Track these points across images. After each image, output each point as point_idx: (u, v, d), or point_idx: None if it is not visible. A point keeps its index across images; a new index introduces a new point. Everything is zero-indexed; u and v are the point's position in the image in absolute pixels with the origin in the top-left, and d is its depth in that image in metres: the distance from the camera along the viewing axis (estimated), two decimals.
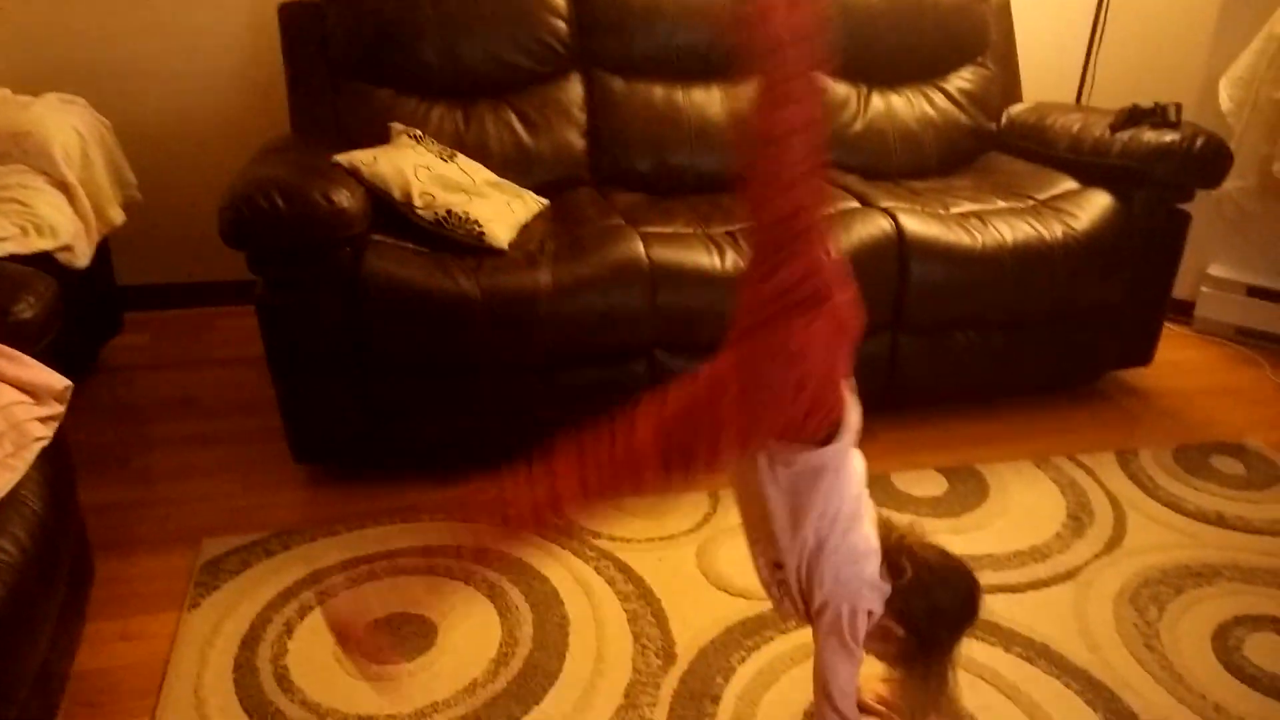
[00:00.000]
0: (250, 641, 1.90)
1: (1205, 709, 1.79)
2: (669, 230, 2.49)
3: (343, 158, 2.34)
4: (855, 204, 2.65)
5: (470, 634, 1.94)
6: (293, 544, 2.19)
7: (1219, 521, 2.34)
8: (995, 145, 3.16)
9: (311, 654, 1.88)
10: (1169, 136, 2.65)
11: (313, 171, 2.25)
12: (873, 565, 1.50)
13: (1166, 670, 1.87)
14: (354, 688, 1.79)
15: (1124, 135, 2.73)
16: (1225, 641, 1.96)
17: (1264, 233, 3.26)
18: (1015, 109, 3.19)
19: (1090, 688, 1.83)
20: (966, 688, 1.81)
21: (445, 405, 2.34)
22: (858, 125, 3.05)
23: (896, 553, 1.52)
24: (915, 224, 2.54)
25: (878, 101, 3.10)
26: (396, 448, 2.39)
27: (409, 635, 1.92)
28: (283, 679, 1.82)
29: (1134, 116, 2.77)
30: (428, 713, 1.75)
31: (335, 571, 2.09)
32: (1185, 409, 2.86)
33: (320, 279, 2.19)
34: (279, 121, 2.87)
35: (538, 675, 1.84)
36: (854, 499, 1.51)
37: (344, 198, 2.17)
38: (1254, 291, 3.23)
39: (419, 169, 2.39)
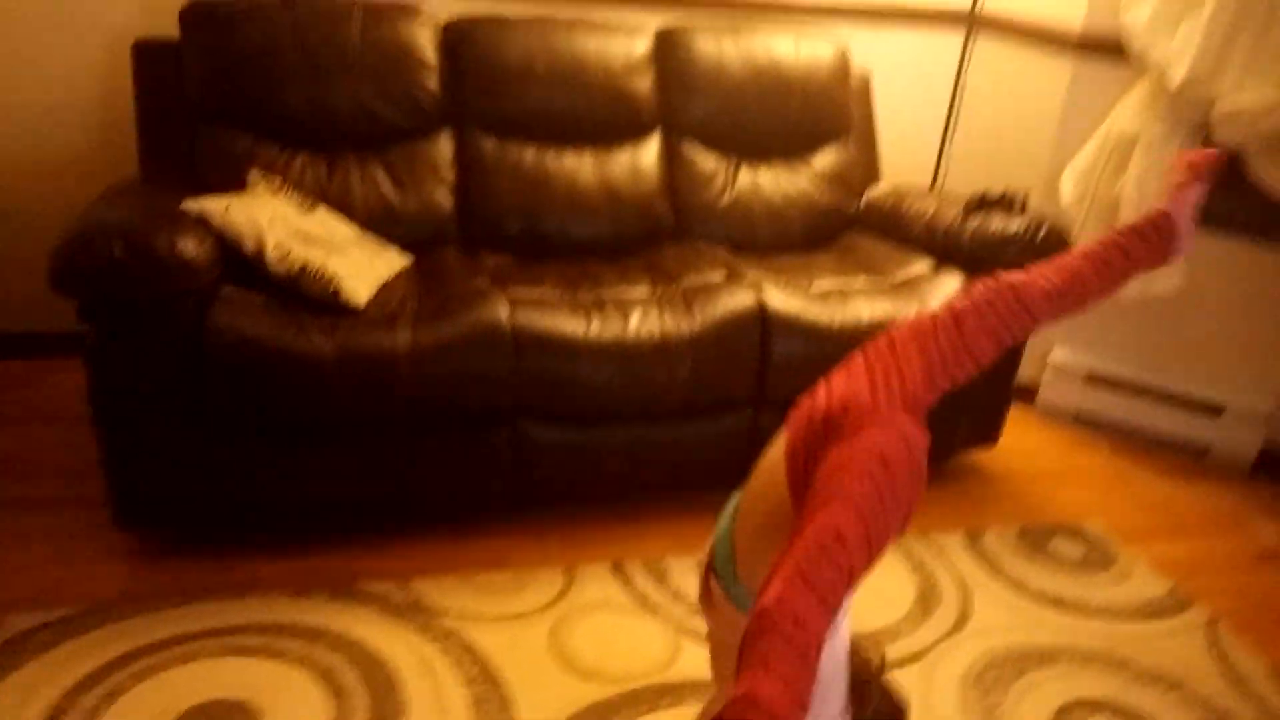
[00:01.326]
0: None
1: None
2: (536, 295, 2.45)
3: (192, 204, 2.22)
4: (722, 276, 2.66)
5: None
6: (109, 620, 2.02)
7: (1058, 604, 2.42)
8: (856, 225, 3.25)
9: None
10: (1014, 225, 2.77)
11: (158, 217, 2.12)
12: (840, 695, 1.42)
13: None
14: None
15: (974, 221, 2.84)
16: None
17: (1103, 321, 3.44)
18: (874, 191, 3.29)
19: None
20: None
21: (292, 469, 2.22)
22: (725, 198, 3.08)
23: (865, 684, 1.45)
24: (779, 299, 2.56)
25: (745, 176, 3.15)
26: (236, 514, 2.25)
27: None
28: None
29: (983, 203, 2.89)
30: None
31: (155, 650, 1.94)
32: (1029, 490, 2.97)
33: (159, 332, 2.05)
34: (128, 164, 2.72)
35: None
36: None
37: (190, 246, 2.05)
38: (1092, 378, 3.40)
39: (275, 220, 2.28)
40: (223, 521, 2.25)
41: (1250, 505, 3.02)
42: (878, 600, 2.34)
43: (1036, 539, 2.69)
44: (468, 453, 2.34)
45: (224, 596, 2.12)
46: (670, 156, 3.08)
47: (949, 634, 2.26)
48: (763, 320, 2.53)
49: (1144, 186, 3.06)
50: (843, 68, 3.26)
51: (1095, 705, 2.08)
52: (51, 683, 1.84)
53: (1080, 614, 2.38)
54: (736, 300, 2.53)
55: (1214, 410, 3.25)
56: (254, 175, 2.51)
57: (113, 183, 2.42)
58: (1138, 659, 2.23)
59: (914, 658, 2.16)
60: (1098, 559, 2.63)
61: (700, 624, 2.19)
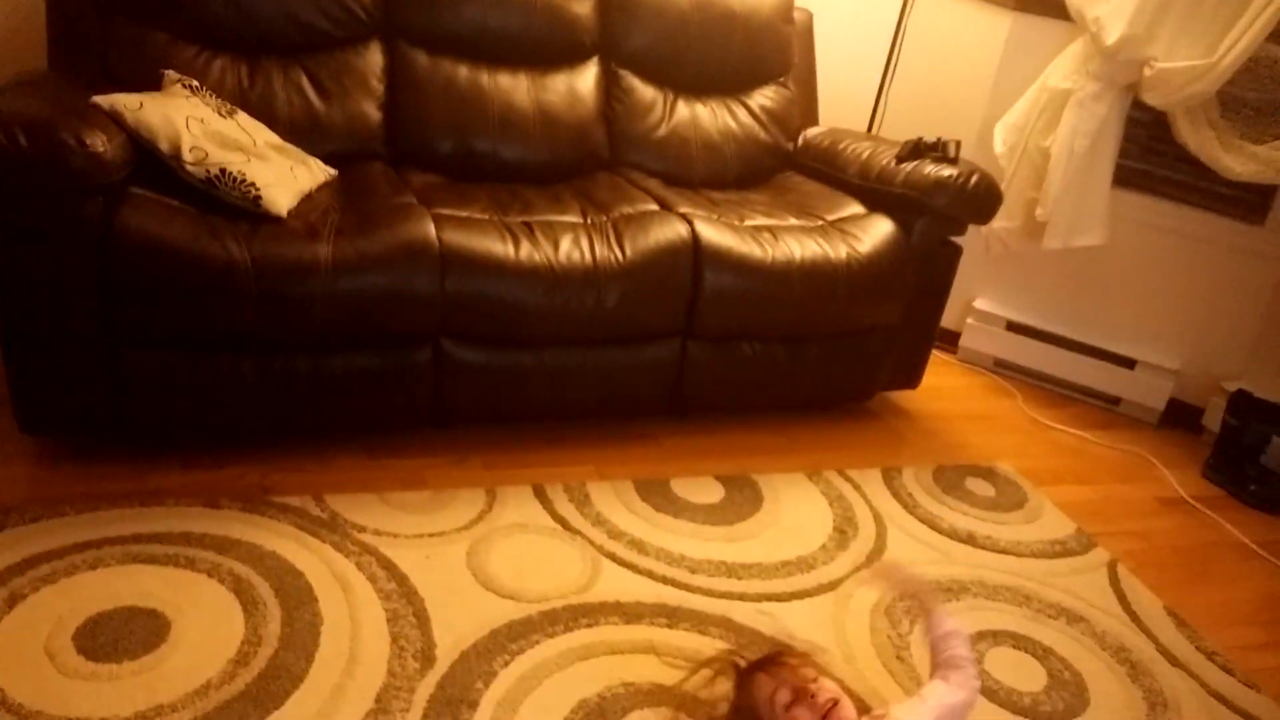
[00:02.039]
0: None
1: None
2: (464, 214, 2.40)
3: (103, 100, 2.11)
4: (654, 206, 2.64)
5: (209, 631, 1.77)
6: (10, 524, 1.95)
7: (969, 540, 2.48)
8: (791, 165, 3.24)
9: (19, 649, 1.66)
10: (947, 171, 2.79)
11: (67, 111, 2.01)
12: None
13: (915, 682, 1.95)
14: (66, 687, 1.60)
15: (907, 166, 2.85)
16: None
17: (1025, 272, 3.51)
18: (811, 132, 3.29)
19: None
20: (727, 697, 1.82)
21: (202, 381, 2.14)
22: (662, 130, 3.05)
23: None
24: (711, 233, 2.55)
25: (683, 109, 3.11)
26: (143, 425, 2.17)
27: (137, 630, 1.74)
28: None
29: (917, 149, 2.90)
30: (149, 716, 1.58)
31: (60, 555, 1.88)
32: (946, 432, 3.03)
33: (64, 232, 1.96)
34: (35, 56, 2.57)
35: (281, 677, 1.70)
36: None
37: (100, 142, 1.95)
38: (1012, 327, 3.47)
39: (192, 121, 2.18)
40: (131, 431, 2.17)
41: (1156, 455, 3.12)
42: (796, 532, 2.37)
43: (951, 478, 2.75)
44: (388, 371, 2.29)
45: (133, 505, 2.05)
46: (608, 84, 3.03)
47: (863, 565, 2.30)
48: (694, 252, 2.52)
49: (1073, 142, 3.11)
50: (786, 7, 3.24)
51: (1000, 636, 2.14)
52: None
53: (989, 551, 2.45)
54: (669, 231, 2.51)
55: (1127, 363, 3.35)
56: (170, 76, 2.39)
57: (17, 73, 2.30)
58: (1042, 594, 2.30)
59: (829, 587, 2.19)
60: (1008, 500, 2.69)
61: (620, 545, 2.19)
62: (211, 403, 2.17)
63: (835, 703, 1.60)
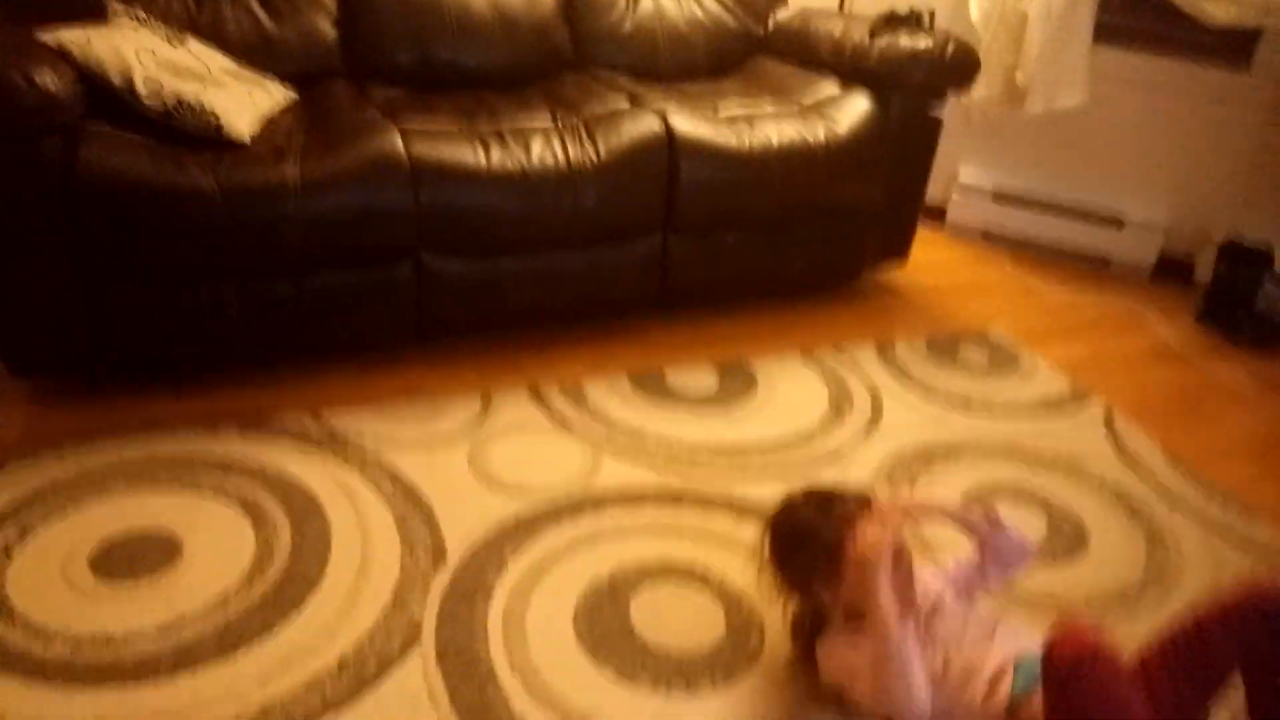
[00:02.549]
0: None
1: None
2: (431, 127, 2.37)
3: (49, 37, 2.08)
4: (625, 104, 2.61)
5: (221, 547, 1.81)
6: (11, 460, 1.97)
7: (965, 404, 2.50)
8: (763, 49, 3.20)
9: (36, 578, 1.70)
10: (923, 42, 2.75)
11: (12, 50, 1.98)
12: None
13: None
14: (87, 607, 1.64)
15: (881, 41, 2.81)
16: None
17: (1008, 141, 3.48)
18: (781, 14, 3.23)
19: None
20: (735, 570, 1.86)
21: (186, 312, 2.15)
22: (627, 25, 3.00)
23: None
24: (685, 125, 2.53)
25: (646, 1, 3.06)
26: (133, 359, 2.19)
27: (150, 552, 1.77)
28: (1, 605, 1.64)
29: (891, 22, 2.86)
30: (173, 627, 1.62)
31: (64, 488, 1.91)
32: (937, 304, 3.03)
33: (26, 172, 1.94)
34: None
35: (297, 583, 1.74)
36: None
37: (50, 79, 1.92)
38: (999, 196, 3.45)
39: (142, 53, 2.15)
40: (118, 366, 2.19)
41: (1148, 309, 3.13)
42: (793, 410, 2.40)
43: (944, 347, 2.76)
44: (370, 288, 2.29)
45: (131, 434, 2.08)
46: None
47: (861, 436, 2.33)
48: (670, 146, 2.50)
49: (1050, 5, 3.06)
50: None
51: (999, 490, 2.17)
52: None
53: (985, 413, 2.47)
54: (642, 126, 2.49)
55: (1115, 222, 3.34)
56: (115, 7, 2.35)
57: None
58: (1039, 449, 2.33)
59: (828, 458, 2.22)
60: (1002, 362, 2.71)
61: (620, 436, 2.22)
62: (197, 332, 2.18)
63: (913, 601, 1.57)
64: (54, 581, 1.70)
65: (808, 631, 1.66)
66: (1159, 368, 2.79)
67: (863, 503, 1.60)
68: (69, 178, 1.97)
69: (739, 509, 2.03)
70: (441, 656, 1.63)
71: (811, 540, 1.58)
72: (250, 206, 2.08)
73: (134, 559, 1.76)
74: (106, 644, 1.58)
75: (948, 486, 2.16)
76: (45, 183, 1.96)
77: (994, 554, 1.66)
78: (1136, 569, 1.98)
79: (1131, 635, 1.77)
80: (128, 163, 2.01)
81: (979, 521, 1.64)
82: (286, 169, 2.12)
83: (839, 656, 1.57)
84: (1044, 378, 2.65)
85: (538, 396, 2.35)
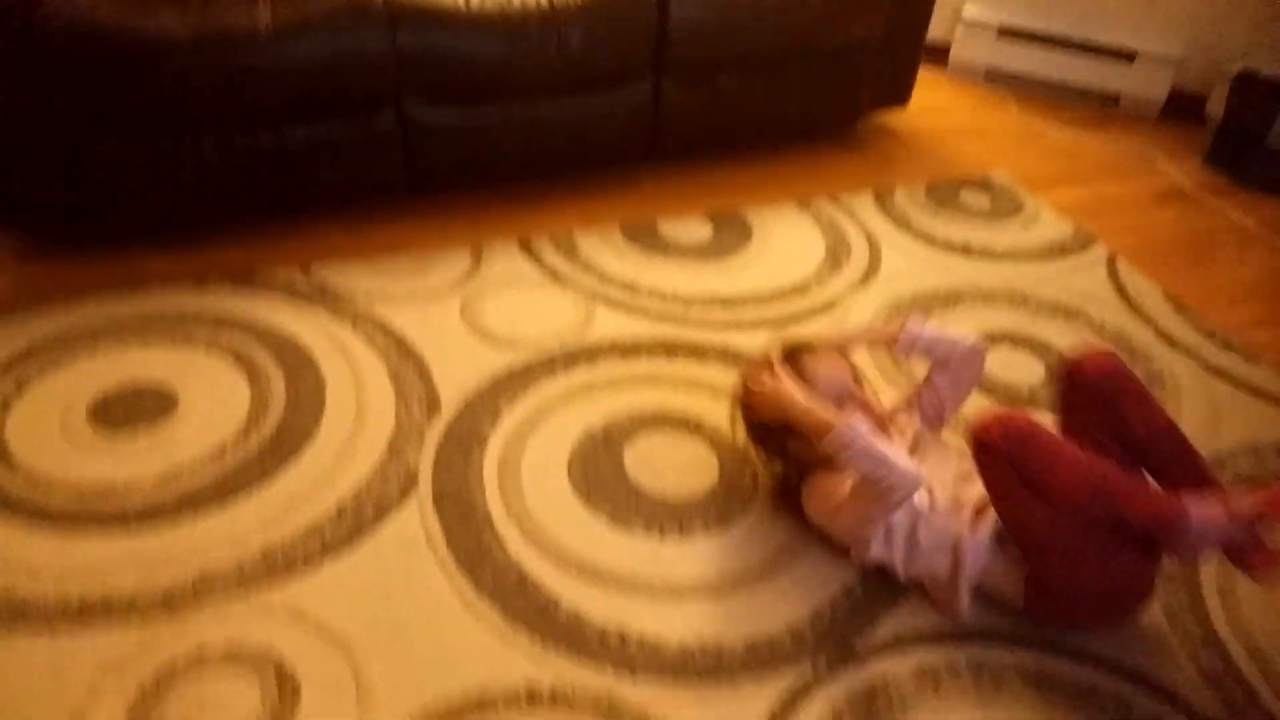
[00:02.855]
0: None
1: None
2: None
3: None
4: None
5: (216, 400, 1.82)
6: (1, 317, 1.97)
7: (965, 250, 2.47)
8: None
9: (35, 430, 1.73)
10: None
11: None
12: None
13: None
14: (87, 458, 1.67)
15: None
16: None
17: None
18: None
19: None
20: (728, 419, 1.88)
21: (166, 165, 2.10)
22: None
23: None
24: None
25: None
26: (116, 214, 2.16)
27: (147, 405, 1.79)
28: (3, 456, 1.67)
29: None
30: (172, 478, 1.65)
31: (58, 343, 1.91)
32: (938, 148, 2.96)
33: None
34: None
35: (293, 435, 1.76)
36: None
37: None
38: (1004, 32, 3.32)
39: None
40: (102, 222, 2.16)
41: (1156, 149, 3.05)
42: (788, 260, 2.37)
43: (944, 193, 2.71)
44: (354, 140, 2.23)
45: (122, 291, 2.07)
46: None
47: (858, 285, 2.31)
48: None
49: None
50: None
51: (997, 336, 2.17)
52: None
53: (986, 258, 2.44)
54: None
55: (1125, 57, 3.22)
56: None
57: None
58: (1040, 294, 2.31)
59: (824, 308, 2.21)
60: (1004, 207, 2.66)
61: (613, 288, 2.20)
62: (180, 186, 2.14)
63: (885, 423, 1.62)
64: (53, 433, 1.72)
65: (795, 488, 1.70)
66: (1165, 211, 2.74)
67: (807, 348, 1.69)
68: (30, 29, 1.89)
69: (734, 359, 2.03)
70: (438, 503, 1.66)
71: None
72: (222, 52, 2.00)
73: (130, 411, 1.78)
74: (108, 493, 1.62)
75: None
76: (7, 34, 1.88)
77: (940, 367, 1.73)
78: None
79: None
80: (92, 8, 1.94)
81: (888, 329, 1.71)
82: (258, 12, 2.03)
83: (820, 492, 1.61)
84: (1047, 223, 2.61)
85: (529, 250, 2.32)
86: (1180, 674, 1.48)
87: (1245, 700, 1.45)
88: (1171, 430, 1.51)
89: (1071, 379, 1.56)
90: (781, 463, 1.71)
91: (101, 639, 1.40)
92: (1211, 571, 1.64)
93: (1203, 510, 1.34)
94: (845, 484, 1.54)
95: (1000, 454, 1.40)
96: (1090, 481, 1.37)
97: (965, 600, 1.52)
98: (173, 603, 1.45)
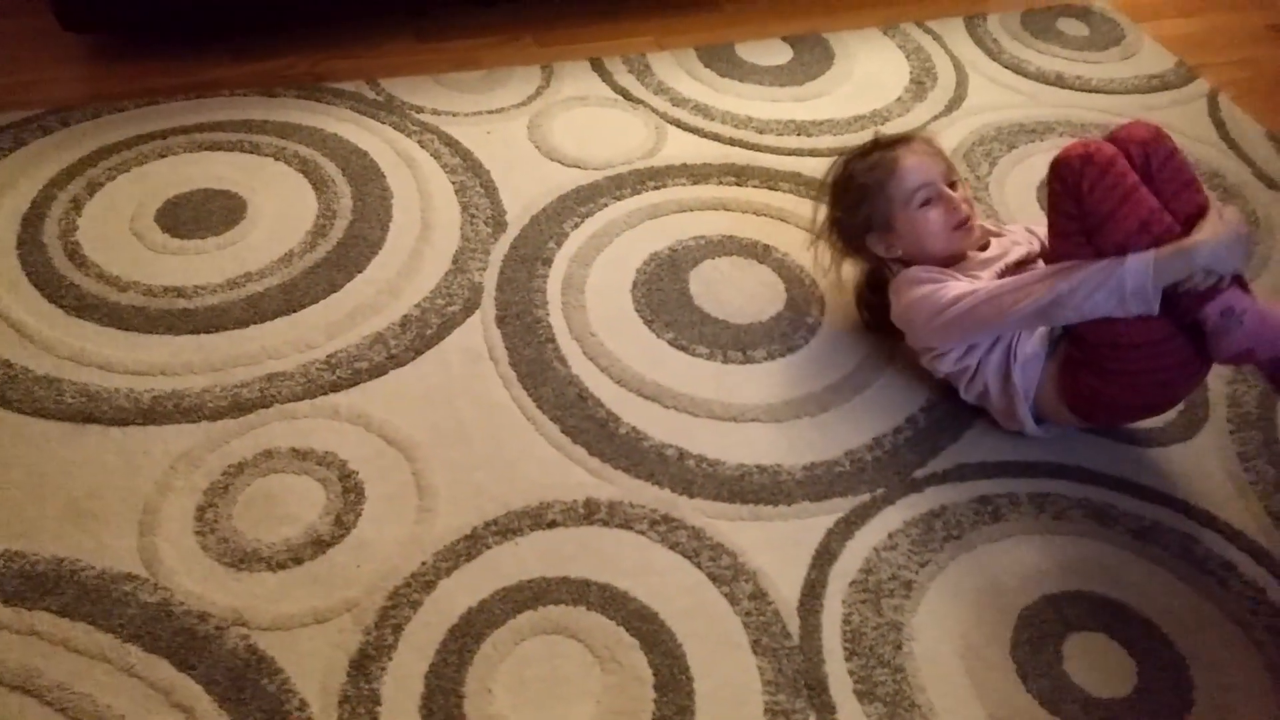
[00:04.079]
0: (33, 219, 1.76)
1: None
2: None
3: None
4: None
5: (284, 208, 1.82)
6: (73, 121, 1.97)
7: (1058, 81, 2.32)
8: None
9: (106, 230, 1.75)
10: None
11: None
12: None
13: (991, 216, 1.91)
14: (158, 260, 1.70)
15: None
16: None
17: None
18: None
19: None
20: (797, 247, 1.83)
21: None
22: None
23: None
24: None
25: None
26: (183, 14, 2.12)
27: (215, 210, 1.80)
28: (74, 254, 1.70)
29: None
30: (240, 282, 1.67)
31: (128, 146, 1.91)
32: None
33: None
34: None
35: (359, 245, 1.76)
36: None
37: None
38: None
39: None
40: (171, 22, 2.13)
41: None
42: (870, 86, 2.26)
43: (1041, 21, 2.53)
44: None
45: (190, 96, 2.05)
46: None
47: (941, 114, 2.19)
48: None
49: None
50: None
51: None
52: (28, 176, 1.83)
53: (1081, 91, 2.29)
54: None
55: None
56: None
57: None
58: None
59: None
60: (1104, 37, 2.49)
61: (685, 110, 2.13)
62: None
63: (967, 221, 1.54)
64: (124, 235, 1.74)
65: (870, 294, 1.66)
66: (1274, 44, 2.53)
67: (902, 140, 1.60)
68: None
69: (807, 186, 1.96)
70: (501, 319, 1.66)
71: (859, 191, 1.58)
72: None
73: (199, 217, 1.79)
74: (178, 294, 1.65)
75: (1029, 166, 2.05)
76: None
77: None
78: None
79: None
80: None
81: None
82: None
83: (910, 285, 1.54)
84: (1148, 54, 2.43)
85: (600, 69, 2.24)
86: (1250, 517, 1.45)
87: None
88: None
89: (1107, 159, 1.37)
90: (859, 263, 1.66)
91: (171, 435, 1.45)
92: None
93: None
94: (949, 286, 1.49)
95: (1069, 182, 1.34)
96: (1145, 239, 1.32)
97: (1024, 414, 1.48)
98: (240, 403, 1.49)
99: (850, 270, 1.70)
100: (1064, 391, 1.46)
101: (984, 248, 1.58)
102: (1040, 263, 1.54)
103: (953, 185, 1.56)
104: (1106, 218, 1.32)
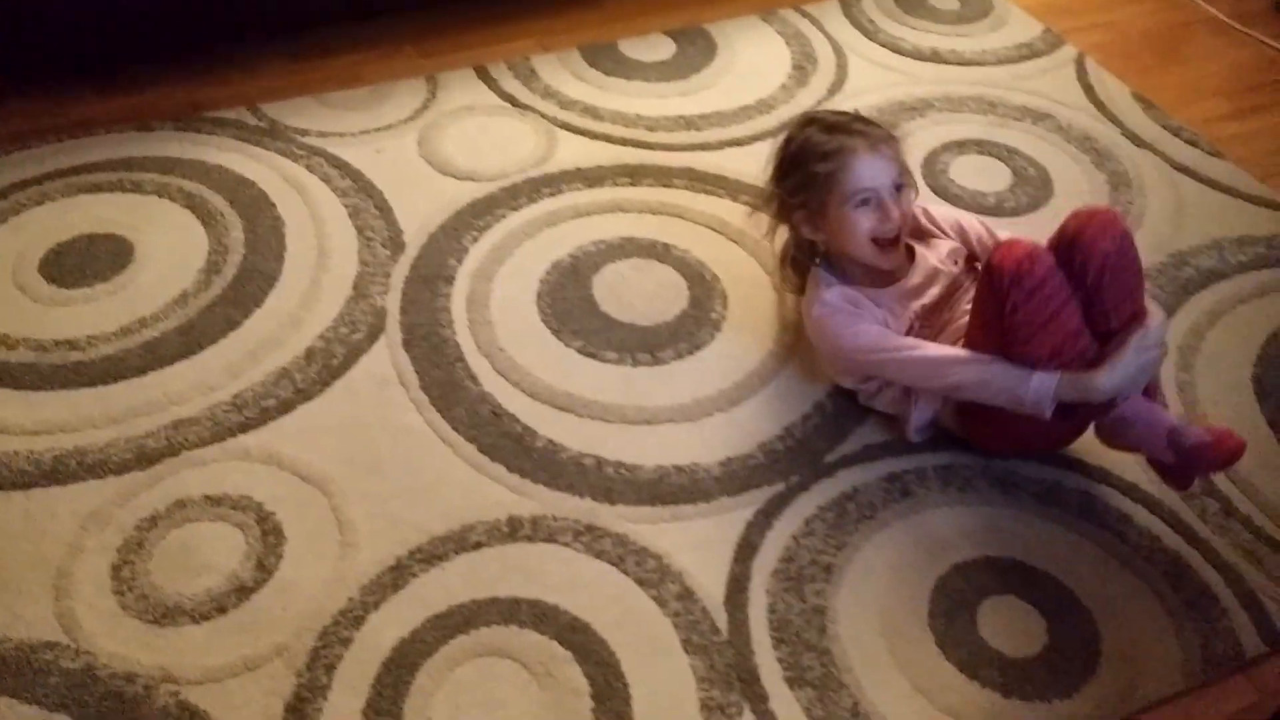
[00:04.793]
0: None
1: None
2: None
3: None
4: None
5: (173, 247, 1.78)
6: None
7: (934, 57, 2.39)
8: None
9: None
10: None
11: None
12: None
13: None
14: (45, 312, 1.65)
15: None
16: (934, 168, 2.07)
17: None
18: None
19: None
20: (698, 244, 1.86)
21: None
22: None
23: None
24: None
25: None
26: (45, 52, 2.04)
27: (101, 255, 1.75)
28: None
29: None
30: (135, 328, 1.63)
31: (1, 196, 1.85)
32: None
33: None
34: None
35: (255, 279, 1.73)
36: None
37: None
38: None
39: None
40: (30, 62, 2.04)
41: None
42: (753, 75, 2.29)
43: None
44: None
45: (62, 138, 1.98)
46: None
47: (825, 99, 2.24)
48: None
49: None
50: None
51: (964, 145, 2.13)
52: None
53: (956, 65, 2.37)
54: None
55: None
56: None
57: None
58: (1007, 99, 2.26)
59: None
60: (973, 10, 2.55)
61: (574, 113, 2.13)
62: (106, 12, 2.01)
63: (894, 242, 1.54)
64: (7, 289, 1.68)
65: (791, 263, 1.68)
66: (1137, 3, 2.65)
67: (870, 133, 1.54)
68: None
69: (700, 181, 1.99)
70: (408, 342, 1.65)
71: (805, 163, 1.54)
72: None
73: (85, 263, 1.74)
74: (70, 346, 1.60)
75: (913, 143, 2.11)
76: None
77: None
78: None
79: None
80: None
81: None
82: None
83: (824, 309, 1.56)
84: (1016, 23, 2.51)
85: (485, 76, 2.23)
86: (1141, 470, 1.53)
87: (1202, 489, 1.51)
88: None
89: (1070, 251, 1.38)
90: (787, 234, 1.66)
91: (78, 494, 1.41)
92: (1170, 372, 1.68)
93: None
94: (862, 328, 1.52)
95: (997, 291, 1.34)
96: (1053, 364, 1.35)
97: (912, 428, 1.53)
98: (147, 454, 1.46)
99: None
100: (961, 424, 1.53)
101: (911, 258, 1.60)
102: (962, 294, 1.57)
103: (900, 191, 1.54)
104: (1022, 340, 1.35)
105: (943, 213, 1.70)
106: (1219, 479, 1.53)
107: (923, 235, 1.65)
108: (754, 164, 2.00)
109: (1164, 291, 1.82)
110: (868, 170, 1.50)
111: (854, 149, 1.51)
